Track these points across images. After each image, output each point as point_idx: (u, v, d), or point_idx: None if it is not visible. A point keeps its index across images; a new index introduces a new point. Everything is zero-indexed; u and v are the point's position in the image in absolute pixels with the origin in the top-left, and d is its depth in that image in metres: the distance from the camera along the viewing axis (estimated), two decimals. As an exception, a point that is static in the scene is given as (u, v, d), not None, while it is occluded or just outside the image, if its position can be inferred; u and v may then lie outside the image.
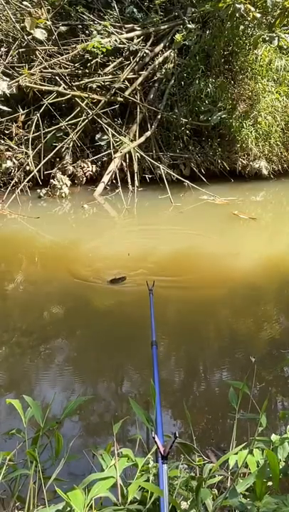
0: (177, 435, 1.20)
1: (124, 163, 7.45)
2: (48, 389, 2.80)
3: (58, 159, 7.43)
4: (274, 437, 1.54)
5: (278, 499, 1.24)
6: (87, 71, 7.63)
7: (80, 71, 7.68)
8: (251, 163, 7.87)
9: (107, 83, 7.61)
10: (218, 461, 1.44)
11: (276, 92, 7.92)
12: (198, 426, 2.38)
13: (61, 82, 7.49)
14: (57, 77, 7.54)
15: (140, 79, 7.66)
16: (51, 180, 7.12)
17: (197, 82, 7.54)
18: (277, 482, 1.31)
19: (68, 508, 1.22)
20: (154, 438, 1.22)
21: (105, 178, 7.25)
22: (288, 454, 1.48)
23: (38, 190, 7.08)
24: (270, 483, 1.37)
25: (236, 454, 1.46)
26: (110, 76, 7.66)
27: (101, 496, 1.24)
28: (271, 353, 3.14)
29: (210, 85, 7.51)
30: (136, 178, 7.36)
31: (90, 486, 1.24)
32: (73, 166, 7.44)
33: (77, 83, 7.51)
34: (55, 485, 1.28)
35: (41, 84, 7.37)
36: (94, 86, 7.53)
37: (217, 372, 2.95)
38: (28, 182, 7.07)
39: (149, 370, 2.75)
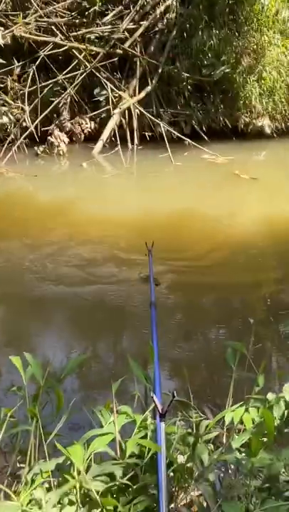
0: (175, 394, 1.22)
1: (123, 120, 7.24)
2: (47, 348, 2.84)
3: (55, 115, 7.22)
4: (270, 396, 1.57)
5: (272, 455, 1.28)
6: (84, 20, 7.26)
7: (77, 20, 7.31)
8: (254, 121, 7.66)
9: (106, 34, 7.28)
10: (215, 418, 1.48)
11: (282, 46, 7.59)
12: (196, 384, 2.43)
13: (58, 32, 7.15)
14: (53, 27, 7.19)
15: (140, 29, 7.31)
16: (48, 138, 6.95)
17: (200, 33, 7.21)
18: (272, 439, 1.35)
19: (68, 462, 1.25)
20: (152, 397, 1.24)
21: (104, 136, 7.07)
22: (283, 412, 1.52)
23: (35, 148, 6.93)
24: (264, 440, 1.41)
25: (233, 411, 1.50)
26: (109, 26, 7.31)
27: (100, 450, 1.28)
28: (270, 314, 3.17)
29: (213, 37, 7.18)
30: (135, 135, 7.19)
31: (89, 442, 1.27)
32: (71, 123, 7.24)
33: (74, 34, 7.17)
34: (56, 440, 1.31)
35: (37, 35, 7.04)
36: (92, 37, 7.20)
37: (215, 333, 2.99)
38: (24, 139, 6.90)
39: (148, 331, 2.78)
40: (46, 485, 1.20)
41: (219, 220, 4.74)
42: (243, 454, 1.34)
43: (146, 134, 7.35)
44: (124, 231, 4.49)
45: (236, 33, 7.49)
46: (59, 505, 1.13)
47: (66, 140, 7.03)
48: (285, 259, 4.00)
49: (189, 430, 1.50)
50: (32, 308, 3.31)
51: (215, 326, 3.08)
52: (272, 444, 1.34)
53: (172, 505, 1.26)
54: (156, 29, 7.52)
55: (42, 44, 7.05)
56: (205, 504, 1.24)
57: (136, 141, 7.18)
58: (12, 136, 6.92)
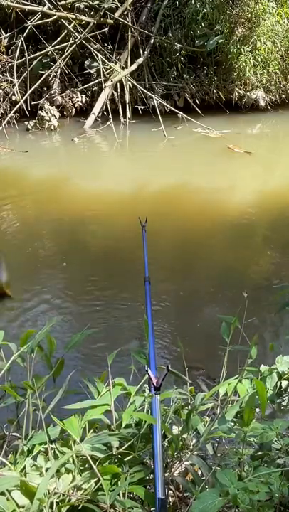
0: (170, 368, 1.23)
1: (115, 93, 7.09)
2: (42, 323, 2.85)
3: (45, 89, 7.05)
4: (263, 368, 1.59)
5: (265, 424, 1.30)
6: (73, -12, 7.01)
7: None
8: (248, 93, 7.54)
9: (96, 3, 7.04)
10: (210, 392, 1.50)
11: (277, 14, 7.40)
12: (191, 358, 2.46)
13: (46, 1, 6.91)
14: (41, -4, 6.95)
15: (131, -2, 7.09)
16: (39, 112, 6.80)
17: (193, 1, 6.99)
18: (265, 409, 1.37)
19: (65, 433, 1.27)
20: (147, 371, 1.25)
21: (96, 110, 6.93)
22: (276, 384, 1.54)
23: (26, 123, 6.79)
24: (257, 410, 1.44)
25: (227, 384, 1.52)
26: (99, -6, 7.07)
27: (96, 421, 1.29)
28: (263, 287, 3.19)
29: (207, 6, 6.97)
30: (128, 109, 7.05)
31: (84, 412, 1.29)
32: (62, 97, 7.08)
33: (63, 2, 6.93)
34: (51, 412, 1.33)
35: (24, 4, 6.79)
36: (81, 6, 6.96)
37: (209, 307, 3.00)
38: (14, 113, 6.75)
39: (142, 305, 2.80)
40: (44, 454, 1.22)
41: (213, 194, 4.72)
42: (237, 425, 1.36)
43: (139, 107, 7.21)
44: (117, 206, 4.45)
45: (230, 1, 7.29)
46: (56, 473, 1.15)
47: (57, 114, 6.88)
48: (277, 232, 4.01)
49: (183, 403, 1.52)
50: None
51: (209, 299, 3.10)
52: (264, 414, 1.36)
53: (167, 474, 1.29)
54: (148, -3, 7.30)
55: (30, 14, 6.82)
56: (199, 472, 1.27)
57: (128, 114, 7.05)
58: (1, 110, 6.77)
